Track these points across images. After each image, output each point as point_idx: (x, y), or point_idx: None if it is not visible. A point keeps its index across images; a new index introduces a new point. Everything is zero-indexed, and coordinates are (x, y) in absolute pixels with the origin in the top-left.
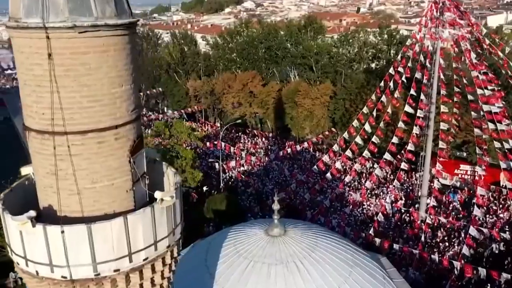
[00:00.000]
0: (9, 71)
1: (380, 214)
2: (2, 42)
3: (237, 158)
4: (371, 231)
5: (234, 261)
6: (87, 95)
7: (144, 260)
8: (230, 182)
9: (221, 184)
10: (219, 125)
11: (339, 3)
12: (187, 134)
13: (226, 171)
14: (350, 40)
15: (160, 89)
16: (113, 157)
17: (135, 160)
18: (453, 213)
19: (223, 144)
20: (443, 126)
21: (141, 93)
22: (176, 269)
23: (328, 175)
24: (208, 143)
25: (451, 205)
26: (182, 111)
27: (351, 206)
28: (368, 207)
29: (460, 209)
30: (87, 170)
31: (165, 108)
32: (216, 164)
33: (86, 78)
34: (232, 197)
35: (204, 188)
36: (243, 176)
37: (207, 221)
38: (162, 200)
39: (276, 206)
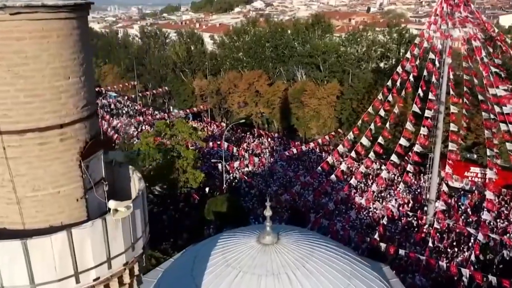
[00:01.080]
0: None
1: (386, 217)
2: None
3: (241, 159)
4: (376, 236)
5: (222, 271)
6: (23, 88)
7: (94, 280)
8: (233, 183)
9: (224, 185)
10: (224, 125)
11: (349, 2)
12: (189, 134)
13: (230, 172)
14: (358, 39)
15: (167, 88)
16: (59, 160)
17: (88, 164)
18: (463, 217)
19: (226, 144)
20: (452, 127)
21: (148, 92)
22: (163, 277)
23: (333, 176)
24: (211, 143)
25: (460, 209)
26: (188, 110)
27: (356, 209)
28: (374, 210)
29: (470, 213)
30: (27, 175)
31: (171, 108)
32: (219, 165)
33: (22, 69)
34: (234, 199)
35: (206, 189)
36: (246, 177)
37: (208, 223)
38: (116, 211)
39: (268, 212)
